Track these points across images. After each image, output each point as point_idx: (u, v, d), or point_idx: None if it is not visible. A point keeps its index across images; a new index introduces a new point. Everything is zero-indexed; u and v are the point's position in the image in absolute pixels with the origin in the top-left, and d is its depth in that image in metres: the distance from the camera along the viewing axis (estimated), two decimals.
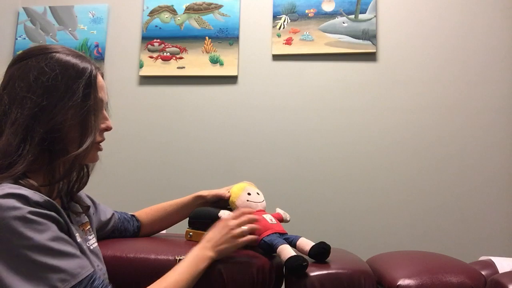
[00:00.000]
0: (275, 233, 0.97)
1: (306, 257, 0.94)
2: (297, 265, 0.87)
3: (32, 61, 0.73)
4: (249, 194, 1.05)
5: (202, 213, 1.05)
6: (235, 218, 0.92)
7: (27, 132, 0.69)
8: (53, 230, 0.64)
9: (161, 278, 0.76)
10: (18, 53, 0.78)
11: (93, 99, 0.76)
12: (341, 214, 1.79)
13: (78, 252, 0.66)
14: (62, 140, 0.72)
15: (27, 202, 0.62)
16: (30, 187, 0.66)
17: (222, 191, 1.08)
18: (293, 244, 0.98)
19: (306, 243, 0.98)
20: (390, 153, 1.80)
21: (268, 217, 1.02)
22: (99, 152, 0.83)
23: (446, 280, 0.90)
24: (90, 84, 0.75)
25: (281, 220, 1.10)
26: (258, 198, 1.06)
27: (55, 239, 0.63)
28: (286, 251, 0.91)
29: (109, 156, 1.98)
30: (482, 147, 1.75)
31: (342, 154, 1.83)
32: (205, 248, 0.86)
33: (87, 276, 0.64)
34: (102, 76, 0.81)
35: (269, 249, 0.95)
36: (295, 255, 0.89)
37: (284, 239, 0.97)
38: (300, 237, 1.00)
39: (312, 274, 0.91)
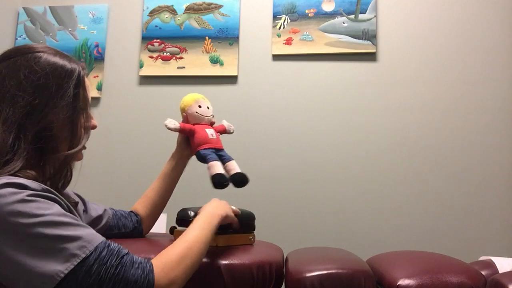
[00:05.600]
0: (212, 148, 1.04)
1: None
2: (220, 182, 0.97)
3: (21, 60, 0.74)
4: (199, 106, 1.09)
5: (188, 212, 1.07)
6: None
7: (19, 130, 0.70)
8: (57, 207, 0.64)
9: (182, 236, 0.76)
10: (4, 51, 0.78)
11: (82, 99, 0.78)
12: (341, 214, 1.79)
13: (86, 224, 0.66)
14: (54, 139, 0.73)
15: (25, 188, 0.63)
16: (28, 177, 0.67)
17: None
18: (224, 162, 1.04)
19: (233, 168, 1.04)
20: (389, 153, 1.80)
21: (210, 131, 1.07)
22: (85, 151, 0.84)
23: (446, 280, 0.90)
24: (79, 84, 0.77)
25: (223, 131, 1.16)
26: (207, 112, 1.10)
27: (61, 214, 0.63)
28: (215, 167, 0.99)
29: (109, 156, 1.98)
30: (482, 147, 1.75)
31: (342, 154, 1.83)
32: (213, 212, 0.89)
33: (102, 241, 0.64)
34: (86, 77, 0.83)
35: (202, 161, 1.03)
36: (220, 174, 0.98)
37: (218, 154, 1.04)
38: (233, 159, 1.06)
39: (312, 274, 0.91)
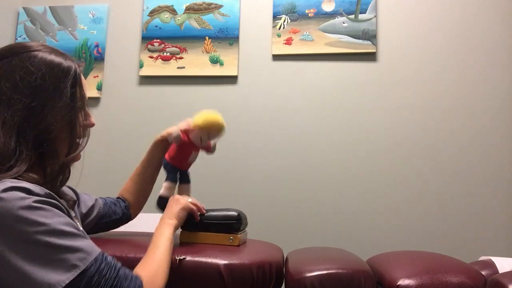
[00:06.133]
0: (178, 168, 1.11)
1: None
2: (160, 206, 1.08)
3: (15, 60, 0.72)
4: (209, 137, 1.07)
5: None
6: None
7: (19, 134, 0.69)
8: (60, 215, 0.65)
9: (149, 251, 0.80)
10: None
11: (79, 99, 0.76)
12: (341, 214, 1.79)
13: (85, 235, 0.67)
14: (54, 141, 0.72)
15: (29, 193, 0.63)
16: (31, 181, 0.66)
17: (181, 124, 1.08)
18: (180, 182, 1.13)
19: (182, 190, 1.13)
20: (390, 153, 1.80)
21: (194, 155, 1.11)
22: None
23: (446, 280, 0.90)
24: (76, 83, 0.76)
25: (207, 150, 1.16)
26: (208, 146, 1.11)
27: (64, 223, 0.64)
28: (164, 189, 1.10)
29: (109, 156, 1.98)
30: (482, 147, 1.75)
31: (342, 154, 1.83)
32: (167, 221, 0.93)
33: (99, 253, 0.66)
34: (82, 73, 0.82)
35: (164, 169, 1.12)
36: (163, 197, 1.08)
37: (181, 174, 1.12)
38: (188, 183, 1.14)
39: (312, 274, 0.91)
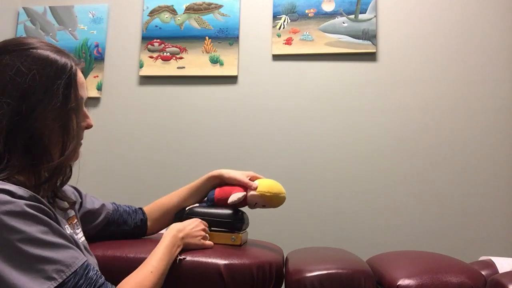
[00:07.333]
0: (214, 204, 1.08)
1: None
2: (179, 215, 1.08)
3: (7, 59, 0.69)
4: (263, 206, 1.07)
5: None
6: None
7: (7, 138, 0.67)
8: (44, 222, 0.63)
9: (143, 265, 0.78)
10: None
11: (73, 100, 0.73)
12: (341, 214, 1.79)
13: (69, 244, 0.65)
14: (45, 145, 0.70)
15: (12, 196, 0.61)
16: (16, 183, 0.65)
17: (245, 180, 1.06)
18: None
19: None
20: (389, 153, 1.80)
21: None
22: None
23: (446, 280, 0.90)
24: (70, 84, 0.72)
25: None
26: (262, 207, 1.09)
27: (46, 231, 0.62)
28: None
29: (109, 156, 1.98)
30: (482, 147, 1.75)
31: (342, 154, 1.83)
32: (177, 237, 0.90)
33: (81, 266, 0.64)
34: (82, 71, 0.78)
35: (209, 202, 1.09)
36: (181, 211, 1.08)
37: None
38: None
39: (312, 274, 0.91)
